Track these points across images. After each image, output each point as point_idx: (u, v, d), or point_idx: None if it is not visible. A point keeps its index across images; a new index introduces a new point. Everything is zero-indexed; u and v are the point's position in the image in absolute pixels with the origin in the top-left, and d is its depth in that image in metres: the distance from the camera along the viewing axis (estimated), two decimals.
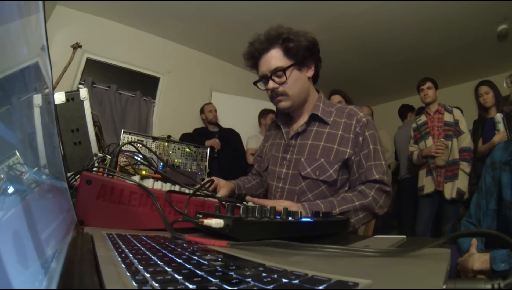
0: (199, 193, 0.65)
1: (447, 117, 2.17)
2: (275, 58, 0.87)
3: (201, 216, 0.48)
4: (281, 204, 0.70)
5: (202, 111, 3.25)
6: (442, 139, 2.11)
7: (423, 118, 2.28)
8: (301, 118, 0.96)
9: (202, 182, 0.83)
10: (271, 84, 0.88)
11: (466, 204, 2.00)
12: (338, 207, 0.79)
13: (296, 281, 0.19)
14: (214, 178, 0.92)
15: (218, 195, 0.87)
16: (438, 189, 2.10)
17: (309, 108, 0.95)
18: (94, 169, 0.67)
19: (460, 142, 2.11)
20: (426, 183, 2.19)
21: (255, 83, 0.96)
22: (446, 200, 2.07)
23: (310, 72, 0.92)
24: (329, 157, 0.86)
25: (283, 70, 0.86)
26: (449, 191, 2.06)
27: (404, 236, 0.49)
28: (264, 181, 1.04)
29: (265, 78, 0.91)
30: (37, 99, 0.28)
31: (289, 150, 0.94)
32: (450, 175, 2.08)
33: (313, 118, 0.92)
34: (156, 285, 0.17)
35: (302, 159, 0.89)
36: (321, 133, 0.90)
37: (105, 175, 0.59)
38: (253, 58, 0.92)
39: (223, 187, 0.94)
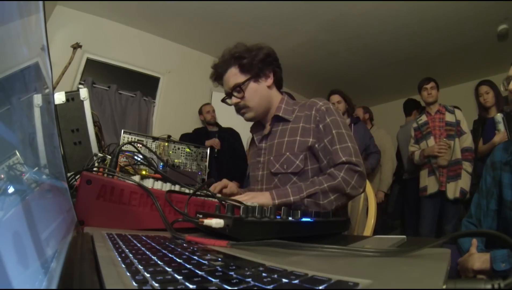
0: (199, 193, 0.65)
1: (449, 117, 2.16)
2: (232, 76, 0.96)
3: (201, 216, 0.48)
4: (244, 199, 0.77)
5: (200, 112, 3.25)
6: (444, 139, 2.10)
7: (423, 118, 2.27)
8: (269, 122, 1.03)
9: (205, 182, 0.84)
10: (233, 100, 0.97)
11: (466, 204, 2.00)
12: (305, 190, 0.82)
13: (296, 281, 0.19)
14: (224, 180, 0.98)
15: (228, 190, 0.94)
16: (441, 189, 2.09)
17: (274, 111, 1.01)
18: (94, 169, 0.67)
19: (461, 142, 2.10)
20: (429, 183, 2.17)
21: (223, 100, 1.04)
22: (449, 200, 2.06)
23: (269, 81, 0.99)
24: (293, 149, 0.91)
25: (239, 86, 0.94)
26: (452, 190, 2.05)
27: (404, 236, 0.49)
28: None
29: (229, 95, 0.99)
30: (37, 99, 0.28)
31: (261, 153, 1.01)
32: (452, 175, 2.07)
33: (276, 119, 0.99)
34: (156, 285, 0.17)
35: (271, 157, 0.95)
36: (284, 131, 0.96)
37: (105, 175, 0.59)
38: (217, 79, 1.01)
39: (233, 185, 1.00)
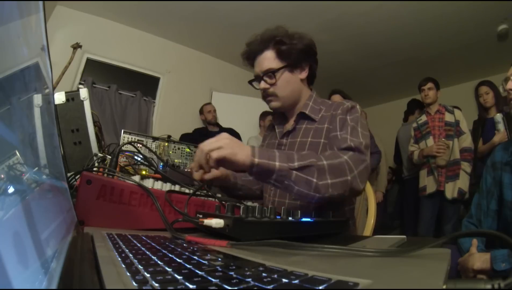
0: (199, 193, 0.65)
1: (448, 117, 2.17)
2: (267, 59, 0.90)
3: (201, 216, 0.48)
4: (217, 140, 0.67)
5: (201, 111, 3.25)
6: (443, 139, 2.11)
7: (423, 117, 2.28)
8: (293, 117, 0.99)
9: (205, 182, 0.83)
10: (262, 85, 0.91)
11: (466, 204, 2.01)
12: (297, 160, 0.64)
13: (296, 281, 0.19)
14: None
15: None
16: (440, 189, 2.10)
17: (301, 107, 0.97)
18: (94, 169, 0.67)
19: (461, 142, 2.11)
20: (428, 183, 2.18)
21: (250, 82, 0.99)
22: (447, 199, 2.07)
23: (304, 74, 0.94)
24: (316, 152, 0.87)
25: (273, 72, 0.89)
26: (450, 190, 2.06)
27: (404, 236, 0.49)
28: None
29: (258, 78, 0.94)
30: (37, 99, 0.28)
31: (281, 149, 0.96)
32: (451, 175, 2.07)
33: (301, 116, 0.95)
34: (156, 285, 0.17)
35: None
36: (309, 130, 0.92)
37: (105, 175, 0.59)
38: (249, 58, 0.95)
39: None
